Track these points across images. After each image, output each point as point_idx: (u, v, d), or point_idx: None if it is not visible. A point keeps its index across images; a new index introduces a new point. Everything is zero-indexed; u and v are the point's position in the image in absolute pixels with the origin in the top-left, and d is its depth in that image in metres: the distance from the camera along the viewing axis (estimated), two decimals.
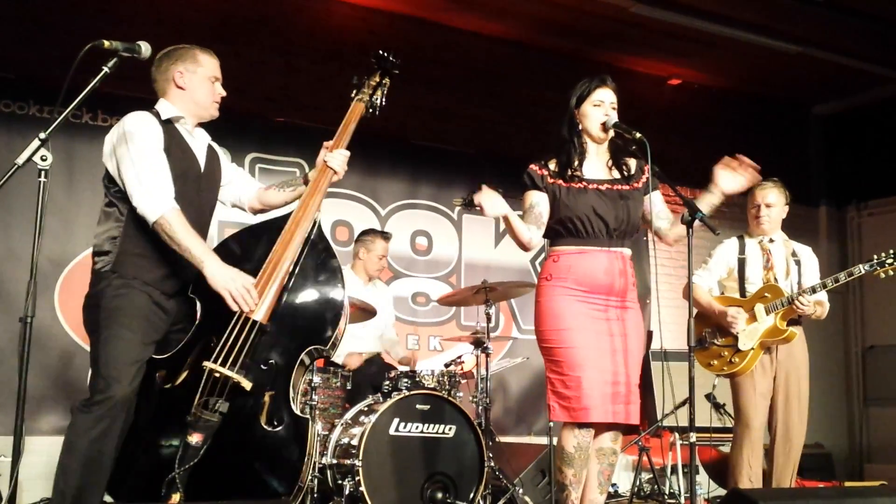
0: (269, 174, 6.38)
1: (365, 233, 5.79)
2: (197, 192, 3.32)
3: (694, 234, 3.43)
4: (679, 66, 7.87)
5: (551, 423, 3.59)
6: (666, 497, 5.70)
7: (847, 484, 6.89)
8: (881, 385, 8.35)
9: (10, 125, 5.39)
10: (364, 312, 4.79)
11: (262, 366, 3.14)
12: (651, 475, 5.83)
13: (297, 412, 3.12)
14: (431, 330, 6.85)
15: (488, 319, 5.08)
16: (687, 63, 7.78)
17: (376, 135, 6.73)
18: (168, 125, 3.26)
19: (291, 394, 3.13)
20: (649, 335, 7.12)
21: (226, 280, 3.08)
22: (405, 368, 5.06)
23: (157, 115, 3.26)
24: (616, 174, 3.59)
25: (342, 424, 4.64)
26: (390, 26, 6.74)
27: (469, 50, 7.06)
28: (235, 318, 3.10)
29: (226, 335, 3.08)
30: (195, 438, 2.95)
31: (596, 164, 3.58)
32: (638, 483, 5.77)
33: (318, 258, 3.32)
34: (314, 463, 4.42)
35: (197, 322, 3.19)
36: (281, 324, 3.20)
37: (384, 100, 3.71)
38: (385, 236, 5.77)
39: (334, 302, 3.28)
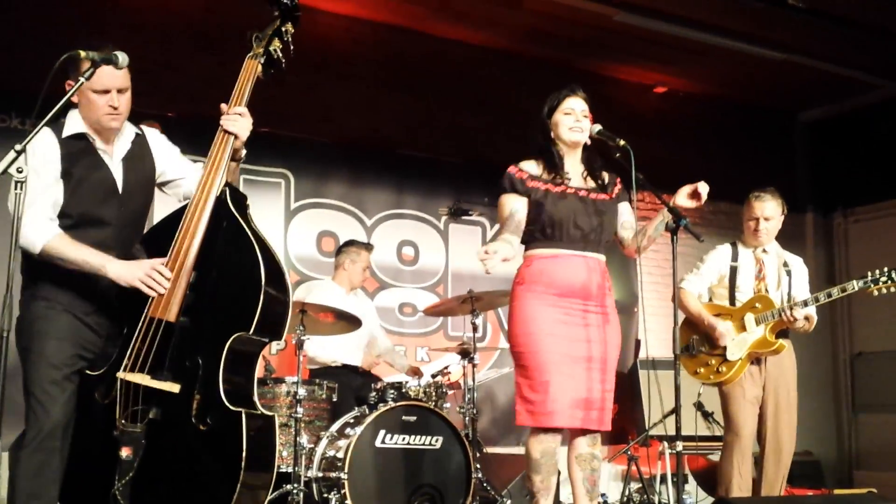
0: (254, 185, 6.34)
1: (349, 244, 5.76)
2: (118, 208, 3.15)
3: (678, 242, 3.42)
4: (664, 74, 7.88)
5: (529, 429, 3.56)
6: None
7: (836, 491, 6.88)
8: (870, 392, 8.35)
9: None
10: (347, 322, 4.75)
11: (185, 364, 2.94)
12: (640, 485, 5.79)
13: (230, 407, 2.87)
14: (418, 340, 6.81)
15: (474, 329, 5.05)
16: (672, 71, 7.79)
17: (362, 144, 6.73)
18: (74, 140, 3.08)
19: (222, 391, 2.88)
20: (637, 343, 7.13)
21: (131, 272, 2.97)
22: (394, 379, 5.03)
23: (60, 129, 3.07)
24: (591, 183, 3.59)
25: (328, 437, 4.60)
26: (375, 36, 6.72)
27: (454, 59, 7.05)
28: (141, 321, 2.95)
29: (133, 339, 2.95)
30: (125, 452, 2.87)
31: (572, 172, 3.58)
32: (627, 493, 5.73)
33: (228, 239, 3.02)
34: (300, 476, 4.39)
35: (125, 332, 3.04)
36: (197, 318, 2.98)
37: (289, 51, 3.24)
38: (368, 247, 5.76)
39: (251, 280, 2.94)
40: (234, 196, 3.11)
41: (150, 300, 2.98)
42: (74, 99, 3.04)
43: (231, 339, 2.93)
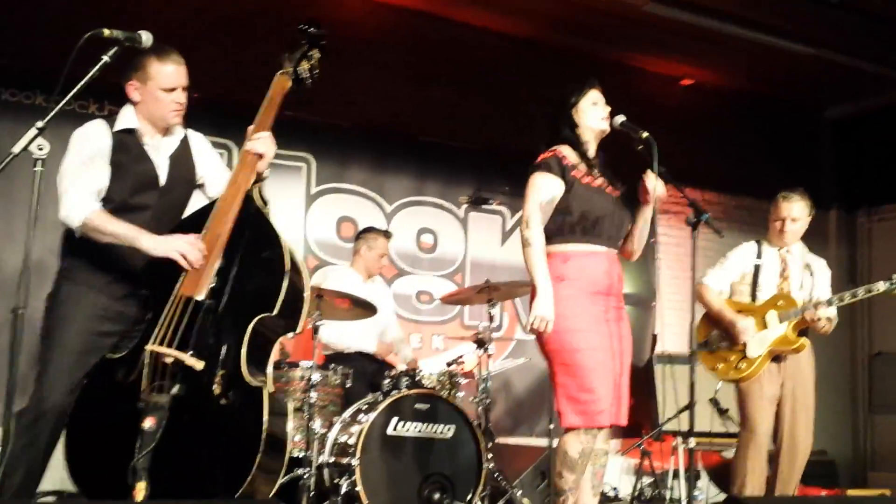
0: (276, 168, 6.30)
1: (367, 230, 5.75)
2: (158, 197, 3.35)
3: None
4: (692, 67, 7.80)
5: (551, 426, 3.55)
6: (667, 501, 5.64)
7: (849, 492, 6.84)
8: (887, 392, 8.27)
9: (16, 115, 5.35)
10: (363, 309, 4.75)
11: (210, 343, 3.12)
12: (652, 479, 5.78)
13: (251, 383, 3.07)
14: (435, 329, 6.80)
15: (490, 319, 5.04)
16: (700, 63, 7.71)
17: (383, 130, 6.71)
18: (124, 134, 3.27)
19: (245, 369, 3.08)
20: (654, 338, 7.09)
21: (167, 244, 3.12)
22: (404, 367, 5.03)
23: (112, 122, 3.30)
24: (609, 176, 3.58)
25: (340, 423, 4.60)
26: (399, 21, 6.69)
27: (478, 46, 7.00)
28: (171, 298, 3.10)
29: (163, 316, 3.09)
30: (148, 423, 2.94)
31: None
32: (639, 487, 5.72)
33: (255, 231, 3.27)
34: (312, 461, 4.40)
35: (149, 317, 3.19)
36: (223, 300, 3.17)
37: (316, 72, 3.55)
38: (387, 234, 5.74)
39: (274, 266, 3.19)
40: (261, 195, 3.37)
41: (181, 280, 3.11)
42: (137, 97, 3.26)
43: (255, 320, 3.12)
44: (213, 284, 3.15)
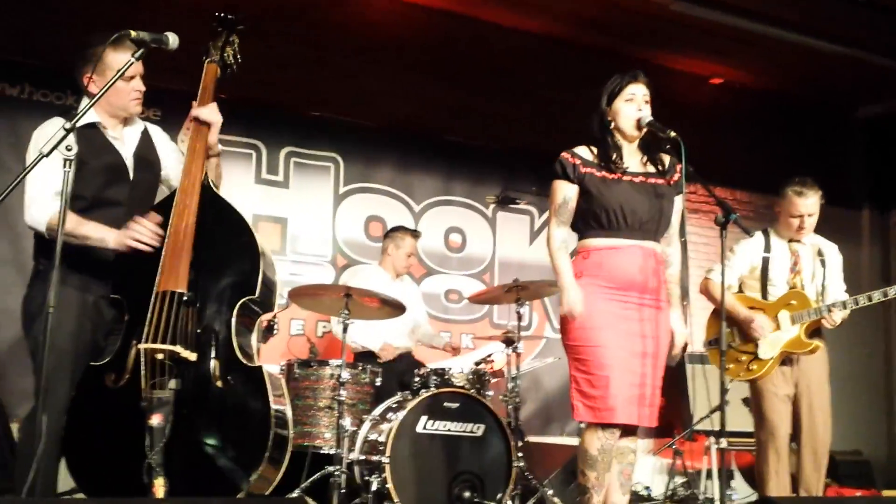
0: (303, 168, 6.39)
1: (394, 229, 5.77)
2: (129, 190, 3.35)
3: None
4: (720, 65, 7.74)
5: (582, 425, 3.54)
6: (700, 501, 5.60)
7: (885, 493, 6.74)
8: None
9: (47, 115, 5.38)
10: (392, 308, 4.75)
11: (198, 333, 3.15)
12: (685, 479, 5.74)
13: (249, 364, 3.14)
14: (463, 327, 6.80)
15: (519, 318, 5.02)
16: (728, 62, 7.64)
17: (410, 130, 6.73)
18: (86, 129, 3.23)
19: (239, 353, 3.14)
20: None
21: (121, 236, 3.15)
22: (437, 365, 5.02)
23: (72, 119, 3.21)
24: (650, 168, 3.51)
25: (370, 421, 4.61)
26: (425, 21, 6.70)
27: (505, 46, 7.00)
28: (153, 296, 3.11)
29: (149, 315, 3.10)
30: (156, 420, 2.97)
31: (630, 160, 3.51)
32: (672, 487, 5.68)
33: (219, 216, 3.30)
34: (342, 458, 4.41)
35: (126, 319, 3.21)
36: (203, 289, 3.21)
37: (238, 56, 3.62)
38: (415, 234, 5.76)
39: (247, 249, 3.25)
40: (212, 181, 3.39)
41: (158, 277, 3.13)
42: (94, 89, 3.17)
43: (239, 303, 3.21)
44: (190, 277, 3.18)
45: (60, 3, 5.55)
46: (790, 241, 4.45)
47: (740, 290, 4.50)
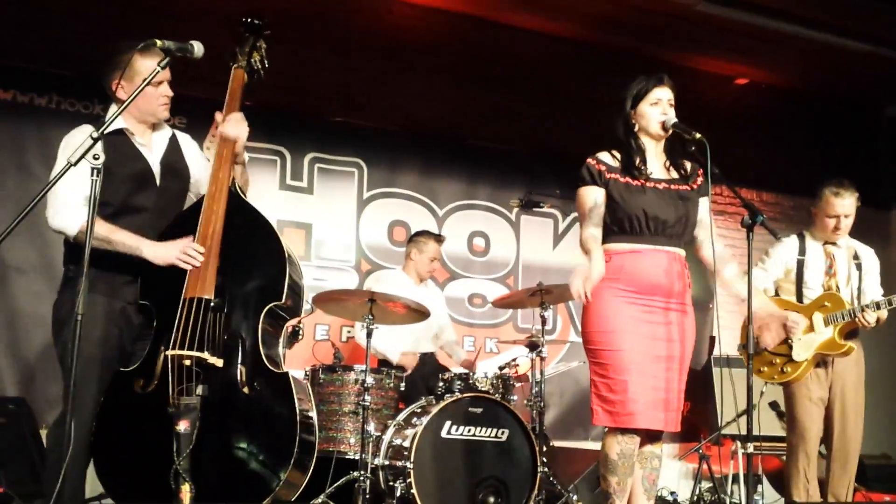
0: (327, 174, 6.41)
1: (418, 234, 5.77)
2: (156, 196, 3.37)
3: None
4: (746, 66, 7.68)
5: (606, 429, 3.53)
6: None
7: None
8: None
9: (76, 124, 5.44)
10: (416, 313, 4.75)
11: (225, 339, 3.17)
12: (711, 484, 5.69)
13: (276, 370, 3.16)
14: (488, 332, 6.79)
15: (543, 322, 5.01)
16: (754, 62, 7.58)
17: (433, 134, 6.73)
18: (114, 136, 3.24)
19: (265, 359, 3.15)
20: (711, 340, 6.97)
21: (167, 251, 3.19)
22: (460, 370, 5.02)
23: (100, 126, 3.26)
24: (674, 174, 3.49)
25: (395, 426, 4.62)
26: (448, 25, 6.70)
27: (527, 49, 6.98)
28: (181, 302, 3.14)
29: (177, 321, 3.12)
30: (183, 426, 3.00)
31: (654, 164, 3.48)
32: (698, 491, 5.64)
33: (246, 222, 3.31)
34: (367, 464, 4.42)
35: (155, 325, 3.23)
36: (231, 294, 3.22)
37: (266, 61, 3.64)
38: (438, 239, 5.75)
39: (274, 255, 3.27)
40: (240, 188, 3.44)
41: (185, 284, 3.16)
42: (123, 95, 3.22)
43: (266, 309, 3.22)
44: (217, 283, 3.20)
45: (87, 12, 5.59)
46: (825, 243, 4.41)
47: (776, 294, 4.48)
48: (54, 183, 2.71)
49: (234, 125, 3.38)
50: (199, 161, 3.59)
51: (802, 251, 4.42)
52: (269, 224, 3.33)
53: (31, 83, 5.55)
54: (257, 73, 3.59)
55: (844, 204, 4.33)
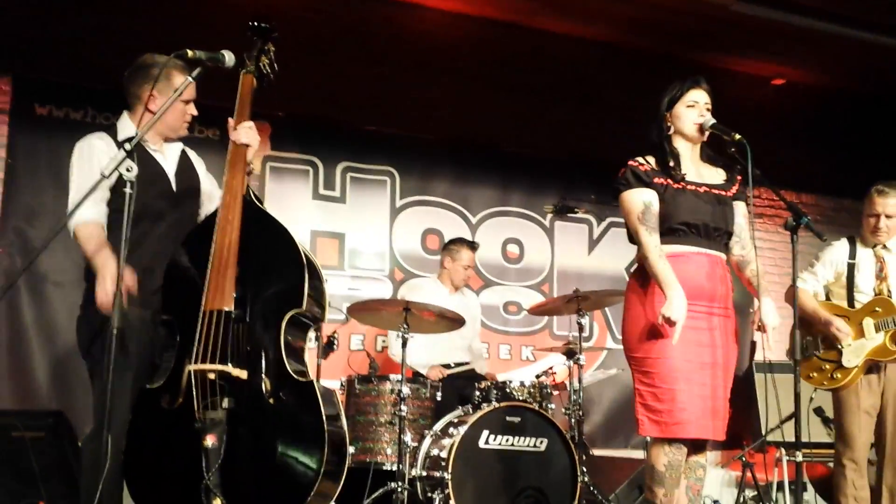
0: (360, 183, 6.40)
1: (452, 242, 5.73)
2: (172, 208, 3.35)
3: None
4: (783, 66, 7.55)
5: (648, 438, 3.46)
6: None
7: None
8: None
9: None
10: (450, 322, 4.71)
11: (248, 350, 3.12)
12: (755, 492, 5.58)
13: (301, 379, 3.10)
14: (523, 339, 6.73)
15: (580, 329, 4.95)
16: (791, 62, 7.45)
17: (466, 141, 6.70)
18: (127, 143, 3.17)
19: (289, 368, 3.10)
20: (752, 346, 6.87)
21: (106, 297, 3.04)
22: (498, 378, 4.97)
23: (115, 135, 3.28)
24: (711, 178, 3.43)
25: (431, 436, 4.58)
26: (479, 32, 6.65)
27: (560, 53, 6.92)
28: (201, 315, 3.08)
29: (197, 335, 3.06)
30: (210, 441, 2.95)
31: (689, 168, 3.41)
32: (741, 499, 5.54)
33: (261, 230, 3.25)
34: (405, 474, 4.38)
35: (178, 339, 3.19)
36: (251, 305, 3.17)
37: (275, 65, 3.54)
38: (472, 246, 5.70)
39: (291, 261, 3.19)
40: (254, 195, 3.35)
41: (204, 296, 3.10)
42: (154, 107, 3.20)
43: (287, 317, 3.14)
44: (236, 293, 3.14)
45: (120, 27, 5.63)
46: (875, 246, 4.32)
47: (827, 299, 4.38)
48: (87, 196, 2.69)
49: (245, 132, 3.32)
50: (207, 178, 3.58)
51: (853, 255, 4.33)
52: (286, 231, 3.25)
53: (67, 98, 5.62)
54: (266, 78, 3.50)
55: (887, 203, 4.24)
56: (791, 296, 4.32)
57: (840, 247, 4.38)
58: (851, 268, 4.32)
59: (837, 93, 7.91)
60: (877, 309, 4.20)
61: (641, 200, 3.31)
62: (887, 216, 4.25)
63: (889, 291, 4.26)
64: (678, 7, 6.41)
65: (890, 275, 4.29)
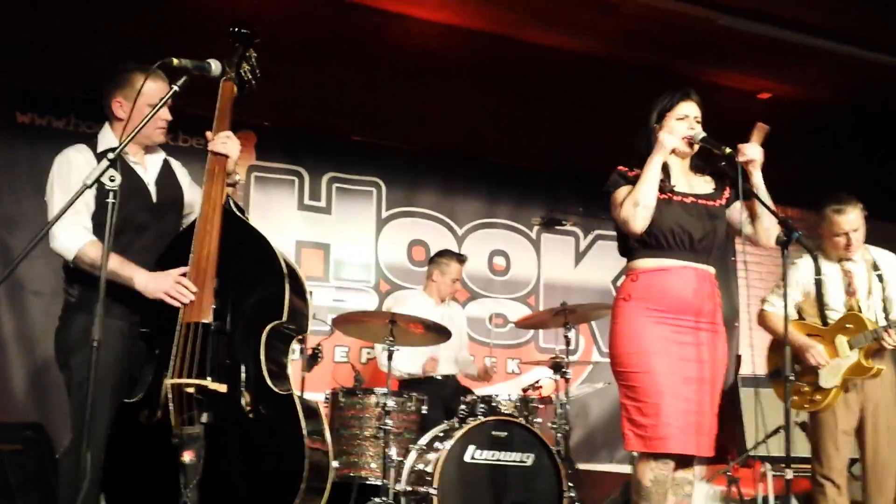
0: (346, 193, 6.36)
1: (440, 254, 5.70)
2: (154, 219, 3.31)
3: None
4: (769, 80, 7.59)
5: (635, 453, 3.43)
6: None
7: None
8: None
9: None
10: (437, 334, 4.67)
11: (227, 363, 3.06)
12: None
13: (281, 392, 3.04)
14: (509, 352, 6.70)
15: (567, 342, 4.92)
16: (777, 76, 7.49)
17: (453, 153, 6.67)
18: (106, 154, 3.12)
19: (269, 381, 3.04)
20: (737, 359, 6.86)
21: (157, 284, 3.08)
22: (482, 392, 4.93)
23: (94, 146, 3.25)
24: (699, 190, 3.41)
25: (417, 450, 4.53)
26: (467, 43, 6.65)
27: (548, 65, 6.92)
28: (178, 327, 3.03)
29: (174, 347, 3.02)
30: (188, 457, 2.89)
31: (678, 179, 3.39)
32: None
33: (241, 240, 3.19)
34: (389, 489, 4.33)
35: (157, 353, 3.14)
36: (230, 316, 3.11)
37: (257, 71, 3.46)
38: (461, 259, 5.67)
39: (271, 272, 3.12)
40: (236, 205, 3.29)
41: (181, 309, 3.07)
42: (122, 114, 3.20)
43: (267, 329, 3.08)
44: (215, 305, 3.08)
45: (104, 35, 5.57)
46: (840, 260, 4.28)
47: (800, 317, 4.34)
48: (69, 205, 2.63)
49: (223, 142, 3.25)
50: (191, 188, 3.51)
51: (818, 271, 4.26)
52: (266, 241, 3.19)
53: (49, 106, 5.55)
54: (248, 85, 3.43)
55: (849, 219, 4.18)
56: (761, 320, 4.33)
57: (804, 265, 4.28)
58: (819, 284, 4.25)
59: (823, 107, 7.94)
60: (848, 325, 4.16)
61: (628, 190, 3.31)
62: (854, 230, 4.19)
63: (859, 306, 4.22)
64: (665, 20, 6.43)
65: (858, 288, 4.25)
